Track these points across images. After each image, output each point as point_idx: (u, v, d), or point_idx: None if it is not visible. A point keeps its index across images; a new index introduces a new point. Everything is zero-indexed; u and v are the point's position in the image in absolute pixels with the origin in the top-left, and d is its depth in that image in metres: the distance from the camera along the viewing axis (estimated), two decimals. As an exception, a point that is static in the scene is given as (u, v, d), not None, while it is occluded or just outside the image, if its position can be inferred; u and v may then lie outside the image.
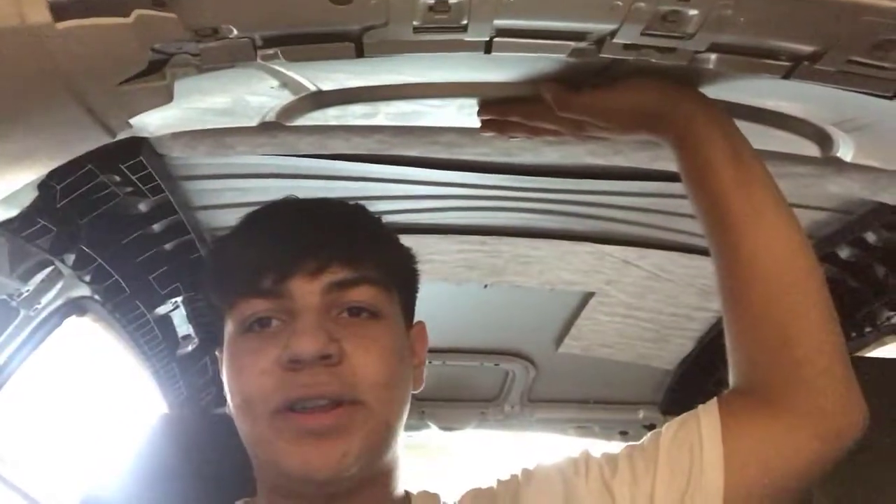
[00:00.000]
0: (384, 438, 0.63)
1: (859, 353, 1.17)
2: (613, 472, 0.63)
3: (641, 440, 0.66)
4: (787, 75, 0.59)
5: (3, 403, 1.01)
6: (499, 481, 0.68)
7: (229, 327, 0.63)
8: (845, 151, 0.82)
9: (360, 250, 0.64)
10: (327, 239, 0.63)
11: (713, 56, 0.59)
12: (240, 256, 0.65)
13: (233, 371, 0.62)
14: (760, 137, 0.84)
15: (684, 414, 0.66)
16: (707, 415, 0.64)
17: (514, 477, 0.68)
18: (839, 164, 0.85)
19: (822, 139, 0.82)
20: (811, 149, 0.84)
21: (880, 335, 1.14)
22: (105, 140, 0.60)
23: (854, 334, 1.16)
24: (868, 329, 1.14)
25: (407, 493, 0.69)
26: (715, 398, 0.65)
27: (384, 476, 0.66)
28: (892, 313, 1.09)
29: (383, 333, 0.63)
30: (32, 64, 0.48)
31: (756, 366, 0.64)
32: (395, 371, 0.62)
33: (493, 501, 0.66)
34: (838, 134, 0.80)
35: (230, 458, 0.89)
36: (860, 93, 0.62)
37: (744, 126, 0.82)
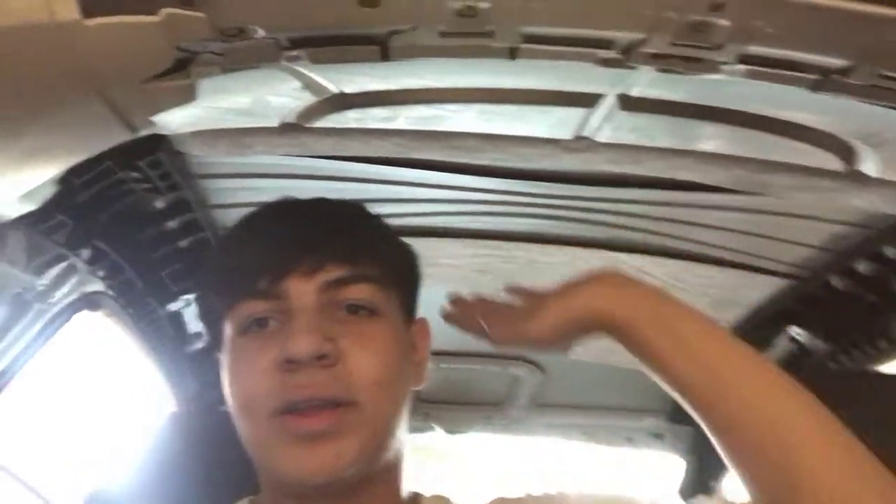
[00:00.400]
0: (381, 439, 0.62)
1: (873, 367, 1.16)
2: None
3: None
4: (816, 88, 0.59)
5: (13, 397, 1.01)
6: (529, 495, 0.67)
7: (228, 329, 0.63)
8: (869, 166, 0.81)
9: (356, 248, 0.63)
10: (322, 237, 0.63)
11: (741, 67, 0.59)
12: (236, 258, 0.64)
13: (231, 373, 0.62)
14: (783, 150, 0.83)
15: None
16: None
17: (547, 496, 0.66)
18: (862, 179, 0.84)
19: (846, 153, 0.81)
20: (834, 162, 0.83)
21: (894, 348, 1.13)
22: (126, 137, 0.60)
23: (868, 347, 1.15)
24: (883, 343, 1.13)
25: (416, 496, 0.69)
26: None
27: (386, 474, 0.66)
28: (907, 328, 1.09)
29: (381, 331, 0.62)
30: (59, 60, 0.48)
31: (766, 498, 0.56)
32: (392, 370, 0.62)
33: None
34: (862, 148, 0.79)
35: (237, 456, 0.89)
36: (888, 107, 0.61)
37: (766, 138, 0.82)
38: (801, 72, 0.58)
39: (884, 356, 1.14)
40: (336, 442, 0.58)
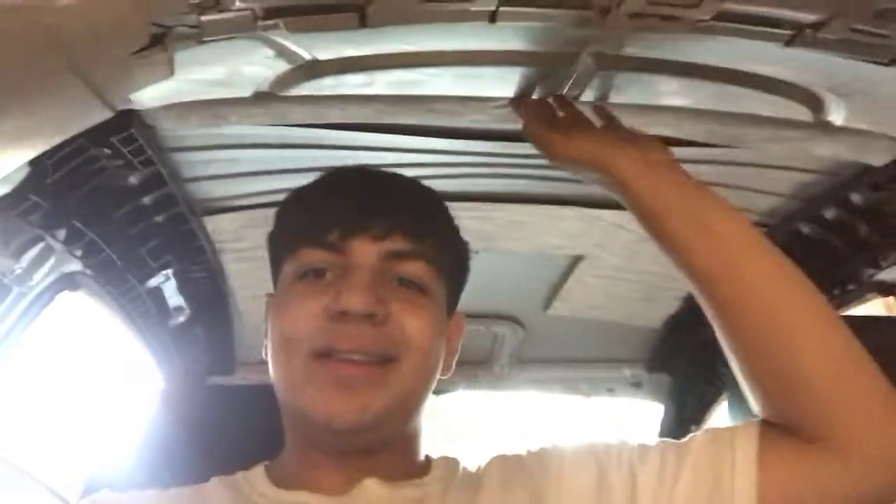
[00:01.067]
0: (409, 404, 0.65)
1: (842, 310, 1.21)
2: (643, 461, 0.63)
3: (681, 441, 0.65)
4: (789, 43, 0.60)
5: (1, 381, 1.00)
6: (529, 452, 0.70)
7: (286, 272, 0.67)
8: (836, 115, 0.83)
9: (424, 227, 0.67)
10: (396, 208, 0.67)
11: (717, 24, 0.59)
12: (311, 208, 0.69)
13: (279, 311, 0.65)
14: (752, 102, 0.85)
15: (719, 428, 0.65)
16: (744, 439, 0.62)
17: (544, 451, 0.69)
18: (829, 128, 0.87)
19: (815, 103, 0.83)
20: (803, 113, 0.85)
21: (863, 292, 1.17)
22: (105, 116, 0.59)
23: (837, 291, 1.19)
24: (851, 287, 1.17)
25: (427, 458, 0.71)
26: (756, 421, 0.62)
27: (406, 443, 0.69)
28: (873, 270, 1.12)
29: (427, 306, 0.66)
30: (32, 40, 0.47)
31: (768, 400, 0.62)
32: (433, 343, 0.65)
33: (522, 470, 0.68)
34: (831, 98, 0.81)
35: (231, 429, 0.91)
36: (859, 60, 0.63)
37: (737, 92, 0.83)
38: (776, 27, 0.59)
39: (852, 300, 1.18)
40: (367, 393, 0.61)
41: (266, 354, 0.68)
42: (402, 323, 0.63)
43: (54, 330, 1.11)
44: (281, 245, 0.70)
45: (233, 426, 0.87)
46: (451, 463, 0.71)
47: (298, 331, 0.62)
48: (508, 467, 0.69)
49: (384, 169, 0.74)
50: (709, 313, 0.65)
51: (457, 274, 0.73)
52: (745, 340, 0.62)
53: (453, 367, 0.72)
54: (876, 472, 0.58)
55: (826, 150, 0.91)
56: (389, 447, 0.67)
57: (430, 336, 0.64)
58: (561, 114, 0.79)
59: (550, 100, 0.81)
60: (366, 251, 0.64)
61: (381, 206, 0.66)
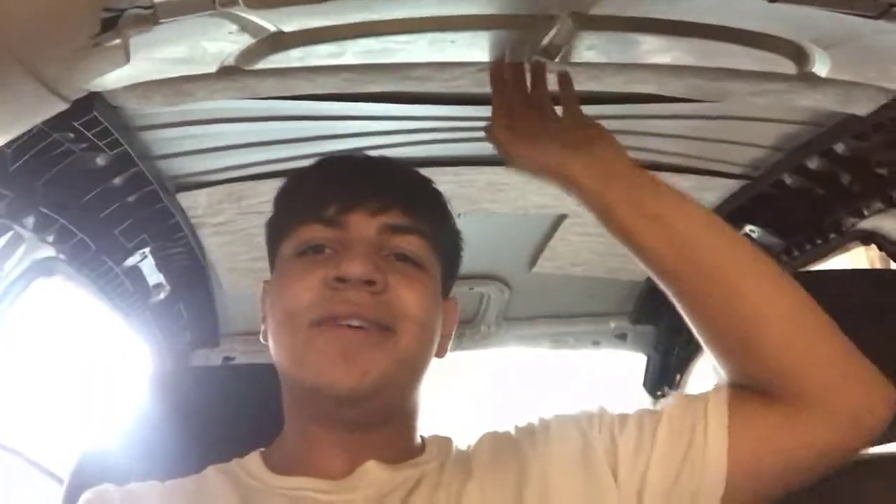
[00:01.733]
0: (407, 374, 0.66)
1: (825, 259, 1.21)
2: (622, 428, 0.65)
3: (656, 408, 0.67)
4: (774, -1, 0.58)
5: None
6: (516, 427, 0.71)
7: (285, 250, 0.68)
8: (821, 67, 0.81)
9: (419, 204, 0.69)
10: (392, 186, 0.69)
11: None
12: (307, 186, 0.70)
13: (279, 288, 0.66)
14: (735, 57, 0.83)
15: (691, 394, 0.66)
16: (715, 403, 0.63)
17: (531, 425, 0.70)
18: (813, 80, 0.85)
19: (799, 56, 0.81)
20: (787, 66, 0.83)
21: (844, 241, 1.17)
22: (60, 108, 0.56)
23: (819, 241, 1.19)
24: (833, 235, 1.17)
25: (421, 437, 0.71)
26: (727, 385, 0.64)
27: (404, 419, 0.70)
28: (856, 220, 1.12)
29: (424, 280, 0.67)
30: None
31: (735, 367, 0.64)
32: (429, 316, 0.66)
33: (511, 445, 0.68)
34: (815, 50, 0.79)
35: (225, 414, 0.90)
36: (846, 13, 0.61)
37: (720, 47, 0.80)
38: (760, -17, 0.56)
39: (834, 249, 1.18)
40: (367, 359, 0.61)
41: (265, 337, 0.68)
42: (399, 294, 0.64)
43: (35, 315, 1.08)
44: (279, 227, 0.71)
45: (224, 409, 0.86)
46: (444, 442, 0.71)
47: (299, 303, 0.63)
48: (498, 443, 0.69)
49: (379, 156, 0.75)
50: (672, 297, 0.66)
51: (451, 255, 0.74)
52: (708, 318, 0.64)
53: (448, 350, 0.72)
54: (840, 428, 0.60)
55: (810, 102, 0.90)
56: (389, 423, 0.67)
57: (427, 309, 0.65)
58: (530, 90, 0.79)
59: (527, 69, 0.80)
60: (364, 224, 0.66)
61: (378, 183, 0.68)
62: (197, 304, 1.51)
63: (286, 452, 0.68)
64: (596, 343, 1.87)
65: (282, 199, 0.73)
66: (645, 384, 1.91)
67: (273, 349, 0.66)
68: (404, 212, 0.67)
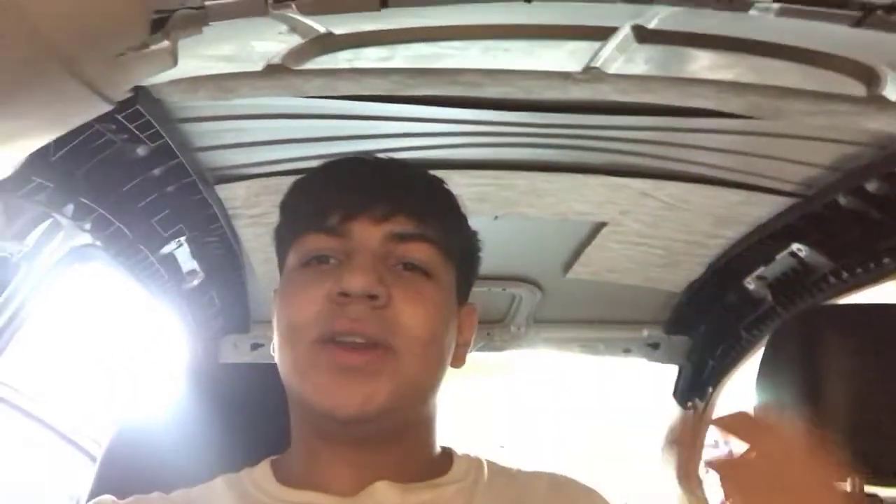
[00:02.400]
0: (412, 394, 0.63)
1: (875, 284, 1.16)
2: None
3: None
4: (857, 24, 0.54)
5: (21, 353, 0.99)
6: (581, 491, 0.69)
7: (290, 263, 0.66)
8: (892, 90, 0.77)
9: (426, 210, 0.65)
10: (397, 191, 0.65)
11: (774, 6, 0.53)
12: (311, 194, 0.68)
13: (284, 300, 0.64)
14: (801, 76, 0.79)
15: None
16: None
17: (540, 476, 0.68)
18: (882, 103, 0.80)
19: (869, 78, 0.76)
20: (856, 88, 0.78)
21: (897, 267, 1.12)
22: (104, 109, 0.55)
23: (872, 265, 1.14)
24: (886, 260, 1.12)
25: (449, 453, 0.69)
26: None
27: (415, 431, 0.67)
28: (912, 245, 1.07)
29: (432, 292, 0.64)
30: (19, 39, 0.43)
31: None
32: (436, 331, 0.63)
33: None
34: (887, 73, 0.75)
35: (254, 411, 0.89)
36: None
37: (784, 66, 0.77)
38: (843, 8, 0.53)
39: (886, 274, 1.13)
40: (370, 381, 0.59)
41: (273, 350, 0.66)
42: (403, 310, 0.61)
43: (73, 300, 1.09)
44: (284, 237, 0.69)
45: (256, 408, 0.86)
46: (473, 463, 0.69)
47: (302, 317, 0.61)
48: (561, 496, 0.67)
49: (388, 156, 0.72)
50: None
51: (465, 260, 0.71)
52: None
53: (466, 359, 0.70)
54: None
55: (878, 125, 0.85)
56: (399, 440, 0.65)
57: (433, 324, 0.63)
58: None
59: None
60: (367, 233, 0.63)
61: (383, 189, 0.66)
62: (229, 292, 1.52)
63: (294, 464, 0.67)
64: (627, 351, 1.83)
65: (286, 207, 0.71)
66: (675, 394, 1.87)
67: (278, 361, 0.65)
68: (411, 218, 0.64)
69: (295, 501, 0.63)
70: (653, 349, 1.81)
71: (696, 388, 1.82)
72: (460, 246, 0.69)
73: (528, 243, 1.48)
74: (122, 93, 0.54)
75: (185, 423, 0.93)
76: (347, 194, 0.65)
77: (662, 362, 1.81)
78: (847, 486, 0.89)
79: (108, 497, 0.67)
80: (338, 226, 0.63)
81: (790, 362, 0.93)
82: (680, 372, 1.84)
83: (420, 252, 0.64)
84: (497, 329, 1.81)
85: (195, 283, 1.42)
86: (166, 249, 1.21)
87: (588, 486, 0.70)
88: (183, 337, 1.47)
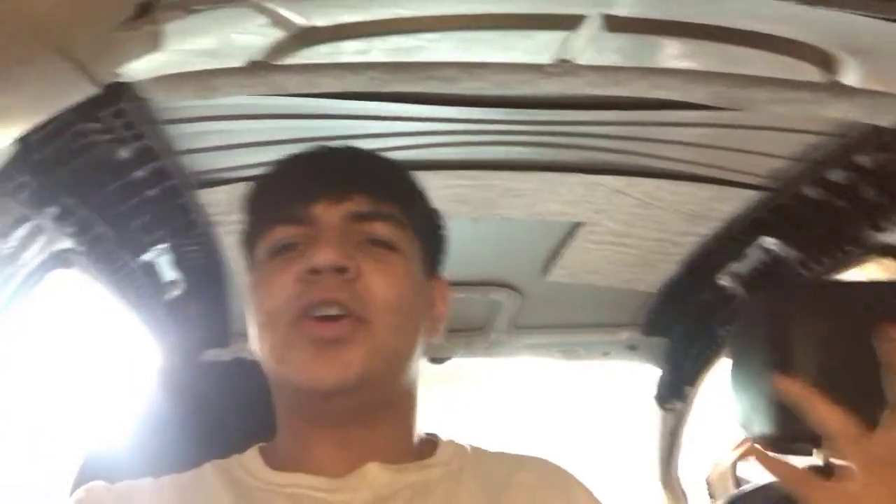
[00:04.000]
0: (389, 362, 0.64)
1: (841, 272, 1.20)
2: None
3: None
4: (804, 1, 0.58)
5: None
6: (576, 484, 0.70)
7: (258, 257, 0.67)
8: (849, 76, 0.81)
9: (384, 188, 0.67)
10: (351, 172, 0.67)
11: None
12: (271, 189, 0.69)
13: (257, 292, 0.65)
14: (761, 63, 0.83)
15: None
16: None
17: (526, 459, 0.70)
18: (840, 89, 0.84)
19: (827, 63, 0.80)
20: (814, 73, 0.82)
21: (862, 255, 1.16)
22: (90, 92, 0.56)
23: (838, 254, 1.18)
24: (851, 248, 1.16)
25: (431, 438, 0.70)
26: None
27: (397, 407, 0.68)
28: (875, 233, 1.11)
29: (399, 264, 0.65)
30: (5, 16, 0.44)
31: None
32: (405, 301, 0.65)
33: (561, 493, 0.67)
34: (843, 57, 0.78)
35: (230, 407, 0.89)
36: (873, 17, 0.61)
37: (746, 53, 0.80)
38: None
39: (852, 262, 1.17)
40: (346, 350, 0.61)
41: (252, 345, 0.67)
42: (372, 282, 0.63)
43: (48, 307, 1.08)
44: (250, 233, 0.70)
45: (234, 403, 0.86)
46: (459, 447, 0.70)
47: (277, 302, 0.62)
48: (550, 477, 0.68)
49: (339, 145, 0.73)
50: None
51: (429, 235, 0.73)
52: None
53: (441, 331, 0.72)
54: None
55: (837, 112, 0.89)
56: (381, 416, 0.66)
57: (402, 293, 0.64)
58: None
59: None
60: (329, 215, 0.65)
61: (340, 173, 0.68)
62: (210, 303, 1.51)
63: (282, 449, 0.68)
64: (606, 354, 1.86)
65: (249, 206, 0.72)
66: (656, 397, 1.89)
67: (259, 351, 0.65)
68: (369, 197, 0.66)
69: (285, 483, 0.63)
70: (632, 351, 1.83)
71: (675, 389, 1.84)
72: (422, 220, 0.71)
73: (506, 247, 1.50)
74: (107, 74, 0.55)
75: (159, 435, 0.93)
76: (305, 182, 0.67)
77: (641, 363, 1.84)
78: (815, 459, 0.91)
79: (98, 482, 0.67)
80: (300, 213, 0.65)
81: (758, 342, 0.96)
82: (660, 374, 1.87)
83: (381, 229, 0.66)
84: (478, 336, 1.82)
85: (176, 293, 1.42)
86: (147, 257, 1.22)
87: (574, 475, 0.71)
88: (160, 349, 1.45)
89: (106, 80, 0.56)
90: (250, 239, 0.70)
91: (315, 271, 0.61)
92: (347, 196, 0.65)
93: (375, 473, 0.63)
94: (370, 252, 0.64)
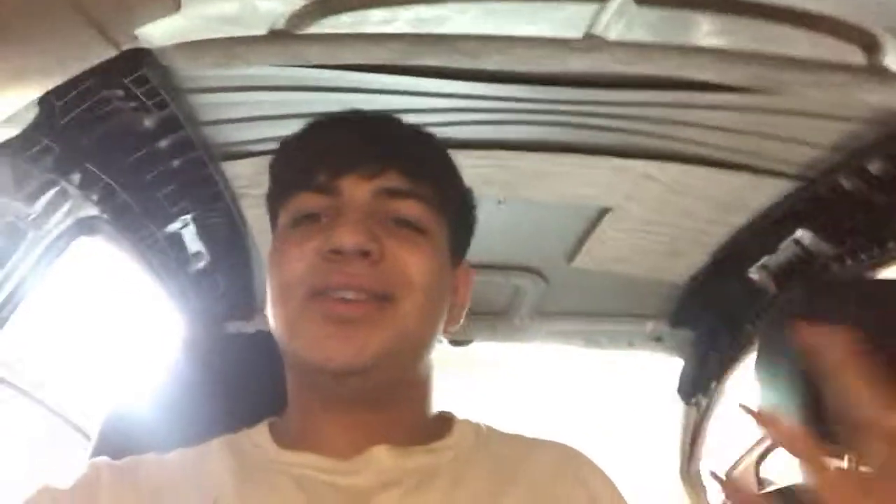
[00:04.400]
0: (410, 346, 0.62)
1: (880, 270, 1.16)
2: None
3: None
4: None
5: (22, 324, 1.00)
6: (592, 467, 0.69)
7: (281, 224, 0.65)
8: (892, 59, 0.77)
9: (419, 165, 0.64)
10: (386, 146, 0.64)
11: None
12: (299, 153, 0.67)
13: (275, 259, 0.63)
14: (800, 44, 0.79)
15: None
16: None
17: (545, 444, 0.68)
18: (883, 73, 0.81)
19: (870, 45, 0.77)
20: (855, 55, 0.79)
21: (903, 251, 1.12)
22: (109, 54, 0.56)
23: (876, 250, 1.14)
24: (891, 245, 1.12)
25: (447, 417, 0.69)
26: None
27: (409, 392, 0.66)
28: (918, 229, 1.07)
29: (426, 245, 0.63)
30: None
31: None
32: (432, 282, 0.62)
33: (577, 484, 0.65)
34: (888, 39, 0.75)
35: (252, 379, 0.90)
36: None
37: (784, 32, 0.77)
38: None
39: (891, 259, 1.13)
40: (364, 332, 0.58)
41: (268, 313, 0.65)
42: (400, 260, 0.60)
43: (74, 274, 1.10)
44: (275, 198, 0.68)
45: (254, 376, 0.86)
46: (473, 428, 0.68)
47: (294, 273, 0.60)
48: (563, 466, 0.66)
49: (379, 111, 0.70)
50: None
51: (460, 220, 0.70)
52: None
53: (461, 320, 0.70)
54: None
55: (879, 98, 0.85)
56: (394, 400, 0.64)
57: (431, 275, 0.62)
58: None
59: None
60: (357, 189, 0.62)
61: (372, 145, 0.64)
62: (235, 276, 1.53)
63: (291, 427, 0.67)
64: (631, 344, 1.83)
65: (275, 169, 0.70)
66: (679, 390, 1.86)
67: (271, 321, 0.64)
68: (402, 174, 0.63)
69: (291, 462, 0.62)
70: (656, 342, 1.80)
71: (699, 383, 1.81)
72: (454, 203, 0.68)
73: (531, 231, 1.48)
74: (127, 37, 0.55)
75: (178, 402, 0.93)
76: (336, 151, 0.64)
77: (666, 355, 1.81)
78: (844, 464, 0.88)
79: (103, 458, 0.66)
80: (327, 183, 0.62)
81: (788, 342, 0.93)
82: (684, 366, 1.83)
83: (412, 209, 0.63)
84: (500, 321, 1.80)
85: (201, 265, 1.43)
86: (172, 228, 1.23)
87: (593, 460, 0.69)
88: (184, 321, 1.47)
89: (125, 41, 0.55)
90: (274, 204, 0.68)
91: (337, 251, 0.59)
92: (380, 171, 0.62)
93: (382, 457, 0.62)
94: (396, 233, 0.61)
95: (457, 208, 0.69)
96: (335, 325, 0.58)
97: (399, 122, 0.69)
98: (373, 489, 0.60)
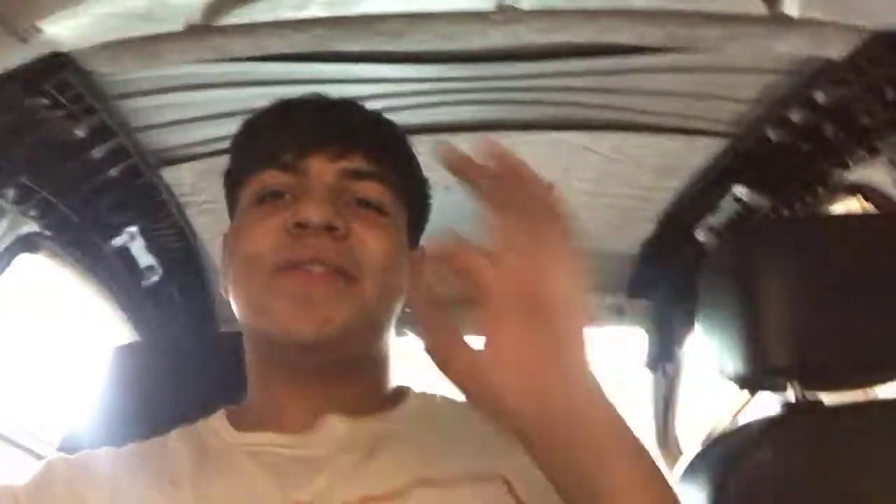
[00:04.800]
0: (370, 324, 0.64)
1: (814, 213, 1.20)
2: None
3: None
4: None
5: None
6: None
7: (243, 201, 0.66)
8: (791, 5, 0.81)
9: (383, 149, 0.66)
10: (354, 129, 0.66)
11: None
12: (264, 131, 0.67)
13: (238, 235, 0.64)
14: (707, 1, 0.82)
15: None
16: None
17: None
18: (786, 21, 0.84)
19: (768, -7, 0.80)
20: (757, 6, 0.82)
21: (833, 194, 1.16)
22: (19, 51, 0.56)
23: (808, 197, 1.18)
24: (820, 190, 1.16)
25: (404, 389, 0.70)
26: None
27: (371, 369, 0.68)
28: (842, 171, 1.11)
29: (388, 226, 0.64)
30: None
31: None
32: (394, 262, 0.64)
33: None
34: (783, -14, 0.78)
35: (204, 382, 0.89)
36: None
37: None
38: None
39: (821, 203, 1.17)
40: (329, 307, 0.59)
41: (226, 291, 0.66)
42: (363, 240, 0.61)
43: (16, 291, 1.08)
44: (236, 175, 0.69)
45: (203, 377, 0.86)
46: (428, 399, 0.70)
47: (258, 248, 0.61)
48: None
49: (341, 98, 0.72)
50: None
51: (418, 204, 0.72)
52: None
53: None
54: None
55: (785, 47, 0.89)
56: (353, 374, 0.65)
57: (391, 256, 0.63)
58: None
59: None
60: (323, 169, 0.63)
61: (339, 127, 0.66)
62: (191, 288, 1.51)
63: (250, 409, 0.67)
64: (593, 318, 1.85)
65: (238, 146, 0.70)
66: (647, 362, 1.89)
67: (233, 299, 0.64)
68: (366, 156, 0.64)
69: (249, 442, 0.63)
70: (619, 315, 1.83)
71: (663, 351, 1.84)
72: (412, 187, 0.70)
73: (472, 214, 1.49)
74: (31, 29, 0.55)
75: (132, 414, 0.93)
76: (302, 130, 0.65)
77: (630, 326, 1.84)
78: (790, 395, 0.92)
79: (58, 454, 0.66)
80: (292, 162, 0.63)
81: (727, 283, 0.96)
82: (649, 336, 1.86)
83: (374, 190, 0.64)
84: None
85: (154, 279, 1.42)
86: (119, 241, 1.22)
87: None
88: (142, 335, 1.46)
89: (28, 34, 0.56)
90: (234, 181, 0.68)
91: (303, 226, 0.60)
92: (345, 153, 0.64)
93: (337, 426, 0.63)
94: (359, 214, 0.63)
95: (415, 193, 0.71)
96: (301, 297, 0.59)
97: (362, 107, 0.71)
98: (330, 456, 0.61)
